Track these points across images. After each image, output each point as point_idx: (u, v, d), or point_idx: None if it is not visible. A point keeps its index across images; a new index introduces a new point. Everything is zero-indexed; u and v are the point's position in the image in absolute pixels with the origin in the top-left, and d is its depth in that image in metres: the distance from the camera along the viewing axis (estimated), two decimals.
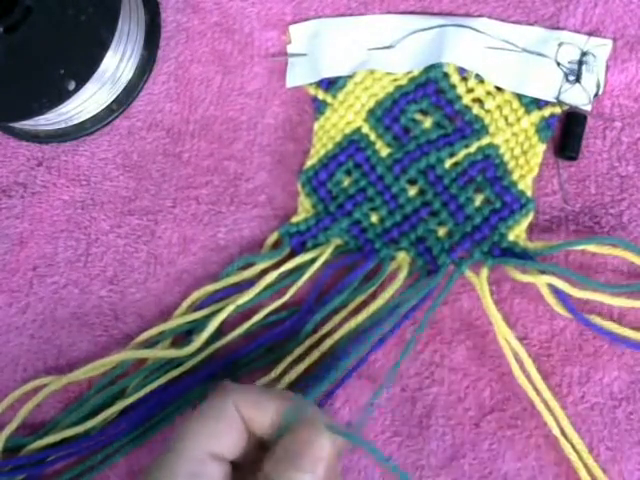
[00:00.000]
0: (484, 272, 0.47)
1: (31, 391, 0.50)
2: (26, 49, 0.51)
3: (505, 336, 0.46)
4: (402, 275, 0.48)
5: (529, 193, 0.48)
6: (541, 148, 0.49)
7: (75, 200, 0.54)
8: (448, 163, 0.49)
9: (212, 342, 0.49)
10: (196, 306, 0.51)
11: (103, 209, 0.54)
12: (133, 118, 0.55)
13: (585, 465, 0.44)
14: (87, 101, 0.53)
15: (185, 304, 0.50)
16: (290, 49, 0.53)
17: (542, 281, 0.46)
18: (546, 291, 0.46)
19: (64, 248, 0.54)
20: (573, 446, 0.44)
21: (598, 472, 0.44)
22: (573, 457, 0.44)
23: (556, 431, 0.44)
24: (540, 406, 0.45)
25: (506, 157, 0.49)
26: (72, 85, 0.50)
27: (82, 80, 0.50)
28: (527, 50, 0.50)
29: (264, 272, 0.49)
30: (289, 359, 0.48)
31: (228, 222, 0.52)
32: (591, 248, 0.47)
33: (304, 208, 0.51)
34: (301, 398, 0.38)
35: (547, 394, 0.45)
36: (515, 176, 0.49)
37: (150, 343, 0.50)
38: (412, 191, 0.49)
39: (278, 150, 0.53)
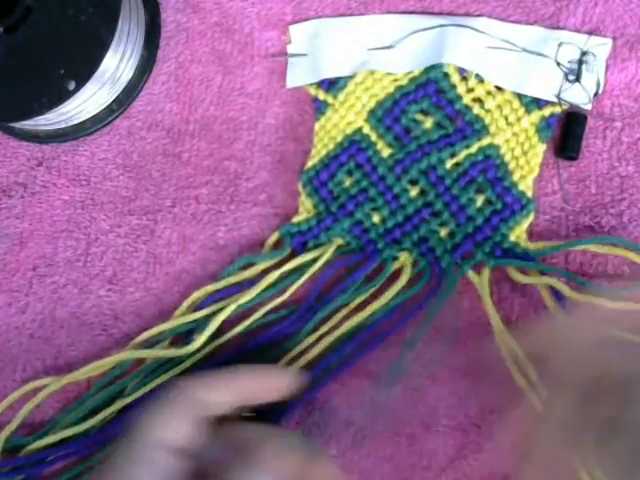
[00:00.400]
0: (486, 273, 0.47)
1: (30, 392, 0.50)
2: (26, 49, 0.51)
3: (504, 338, 0.45)
4: (405, 276, 0.48)
5: (529, 194, 0.48)
6: (541, 148, 0.49)
7: (75, 200, 0.54)
8: (449, 164, 0.49)
9: (211, 341, 0.49)
10: (196, 306, 0.50)
11: (103, 209, 0.54)
12: (133, 118, 0.55)
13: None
14: (87, 101, 0.53)
15: (185, 304, 0.50)
16: (290, 49, 0.53)
17: (542, 283, 0.46)
18: (546, 294, 0.46)
19: (64, 248, 0.54)
20: None
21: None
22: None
23: None
24: (539, 408, 0.45)
25: (507, 157, 0.49)
26: (72, 85, 0.50)
27: (82, 80, 0.50)
28: (527, 50, 0.50)
29: (265, 272, 0.49)
30: (288, 357, 0.48)
31: (228, 221, 0.52)
32: (592, 248, 0.47)
33: (305, 208, 0.51)
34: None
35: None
36: (516, 177, 0.49)
37: (150, 343, 0.50)
38: (414, 191, 0.49)
39: (279, 150, 0.53)
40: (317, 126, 0.52)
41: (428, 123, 0.50)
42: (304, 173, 0.51)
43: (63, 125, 0.54)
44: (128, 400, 0.49)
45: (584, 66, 0.49)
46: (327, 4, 0.53)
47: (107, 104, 0.54)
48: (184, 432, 0.38)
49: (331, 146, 0.51)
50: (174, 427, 0.38)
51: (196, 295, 0.50)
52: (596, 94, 0.49)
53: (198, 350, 0.49)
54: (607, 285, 0.47)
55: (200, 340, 0.48)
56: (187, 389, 0.39)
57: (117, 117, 0.55)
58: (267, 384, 0.42)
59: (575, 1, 0.51)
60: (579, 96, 0.49)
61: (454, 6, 0.52)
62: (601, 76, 0.49)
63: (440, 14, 0.52)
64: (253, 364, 0.43)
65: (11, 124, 0.55)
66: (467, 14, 0.52)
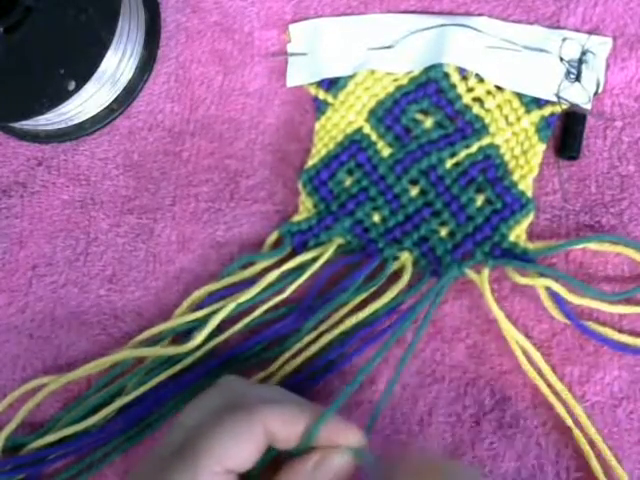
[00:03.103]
0: (485, 272, 0.47)
1: (30, 391, 0.50)
2: (26, 49, 0.51)
3: (510, 333, 0.45)
4: (406, 275, 0.48)
5: (529, 193, 0.48)
6: (541, 148, 0.49)
7: (75, 199, 0.54)
8: (449, 163, 0.49)
9: (211, 339, 0.49)
10: (196, 305, 0.50)
11: (102, 208, 0.54)
12: (133, 118, 0.55)
13: (598, 455, 0.44)
14: (87, 101, 0.53)
15: (186, 303, 0.50)
16: (290, 48, 0.53)
17: (541, 284, 0.46)
18: (544, 295, 0.46)
19: (63, 247, 0.54)
20: (588, 436, 0.44)
21: (613, 462, 0.44)
22: (586, 447, 0.44)
23: (569, 422, 0.44)
24: (551, 397, 0.45)
25: (506, 157, 0.49)
26: (72, 85, 0.50)
27: (82, 80, 0.50)
28: (528, 47, 0.50)
29: (265, 271, 0.49)
30: (287, 355, 0.48)
31: (228, 219, 0.52)
32: (592, 246, 0.47)
33: (305, 207, 0.51)
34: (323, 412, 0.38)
35: (559, 385, 0.45)
36: (515, 176, 0.49)
37: (150, 342, 0.50)
38: (414, 191, 0.49)
39: (280, 149, 0.53)
40: (317, 126, 0.52)
41: (428, 123, 0.50)
42: (304, 172, 0.51)
43: (63, 125, 0.54)
44: (128, 398, 0.48)
45: (584, 65, 0.49)
46: (327, 3, 0.53)
47: (107, 104, 0.54)
48: (249, 460, 0.37)
49: (331, 146, 0.51)
50: (240, 457, 0.37)
51: (196, 294, 0.50)
52: (596, 93, 0.49)
53: (198, 348, 0.49)
54: (606, 287, 0.47)
55: (199, 338, 0.48)
56: (258, 416, 0.37)
57: (117, 117, 0.55)
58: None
59: (575, 0, 0.51)
60: (579, 95, 0.49)
61: (454, 5, 0.52)
62: (601, 75, 0.49)
63: (440, 14, 0.52)
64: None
65: (11, 124, 0.55)
66: (467, 13, 0.52)
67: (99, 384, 0.50)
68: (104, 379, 0.50)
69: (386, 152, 0.50)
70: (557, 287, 0.46)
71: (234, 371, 0.48)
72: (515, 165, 0.49)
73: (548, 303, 0.46)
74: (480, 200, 0.49)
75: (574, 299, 0.46)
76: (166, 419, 0.49)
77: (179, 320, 0.50)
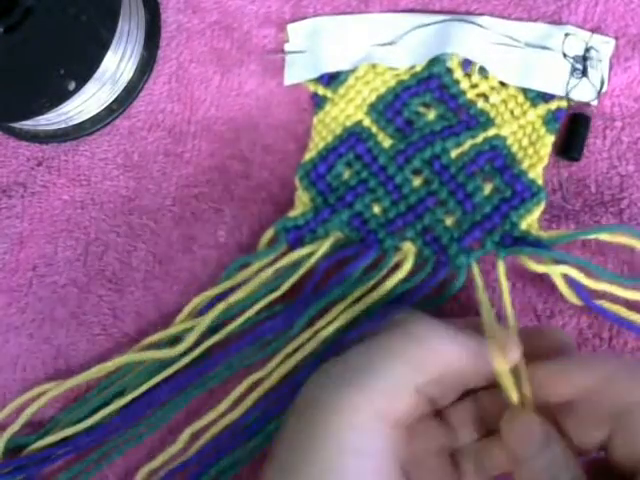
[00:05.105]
0: (501, 266, 0.46)
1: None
2: (26, 49, 0.51)
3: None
4: (407, 266, 0.47)
5: (540, 182, 0.48)
6: (550, 139, 0.48)
7: (75, 200, 0.54)
8: (454, 153, 0.48)
9: (207, 339, 0.48)
10: (197, 312, 0.50)
11: (103, 209, 0.54)
12: (133, 118, 0.55)
13: None
14: (87, 101, 0.53)
15: (186, 310, 0.50)
16: (288, 47, 0.53)
17: (557, 271, 0.45)
18: (561, 282, 0.46)
19: (64, 248, 0.53)
20: None
21: None
22: None
23: None
24: None
25: (514, 148, 0.48)
26: (72, 85, 0.50)
27: (82, 80, 0.50)
28: (531, 44, 0.49)
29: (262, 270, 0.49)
30: (284, 352, 0.47)
31: (228, 219, 0.52)
32: (603, 237, 0.46)
33: (301, 202, 0.50)
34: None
35: None
36: (525, 165, 0.48)
37: (150, 348, 0.50)
38: (417, 181, 0.49)
39: (279, 149, 0.52)
40: (315, 120, 0.51)
41: (431, 115, 0.50)
42: (301, 167, 0.51)
43: (63, 125, 0.54)
44: (126, 399, 0.48)
45: (588, 62, 0.49)
46: (326, 2, 0.53)
47: (107, 104, 0.54)
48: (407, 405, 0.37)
49: (329, 139, 0.50)
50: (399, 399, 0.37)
51: (196, 300, 0.50)
52: (599, 92, 0.49)
53: (195, 348, 0.48)
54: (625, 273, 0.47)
55: (189, 340, 0.48)
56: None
57: (117, 117, 0.55)
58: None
59: (576, 0, 0.50)
60: (586, 92, 0.48)
61: (454, 5, 0.52)
62: (605, 73, 0.49)
63: (441, 12, 0.52)
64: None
65: (11, 124, 0.55)
66: (468, 13, 0.51)
67: (100, 387, 0.50)
68: (104, 383, 0.50)
69: (387, 143, 0.49)
70: (574, 273, 0.45)
71: (231, 371, 0.48)
72: (524, 155, 0.48)
73: (565, 290, 0.46)
74: (488, 188, 0.48)
75: (591, 284, 0.45)
76: (164, 419, 0.48)
77: (179, 327, 0.49)
